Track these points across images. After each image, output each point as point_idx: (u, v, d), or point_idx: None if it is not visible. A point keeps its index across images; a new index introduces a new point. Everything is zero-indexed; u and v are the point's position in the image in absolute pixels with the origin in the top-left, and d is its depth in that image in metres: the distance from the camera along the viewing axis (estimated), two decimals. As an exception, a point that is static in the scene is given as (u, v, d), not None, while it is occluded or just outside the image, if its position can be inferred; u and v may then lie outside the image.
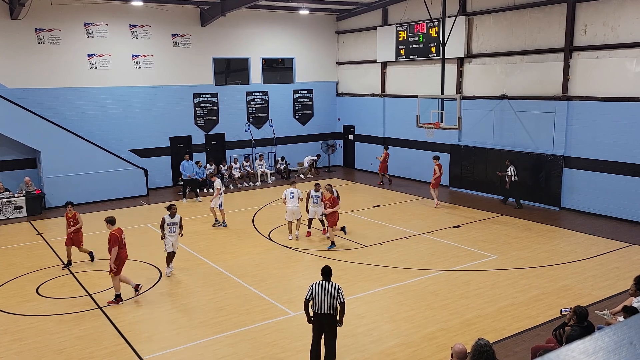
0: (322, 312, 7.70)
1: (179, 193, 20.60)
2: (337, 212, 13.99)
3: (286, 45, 24.68)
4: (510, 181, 17.61)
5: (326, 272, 7.88)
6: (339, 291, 7.67)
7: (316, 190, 14.49)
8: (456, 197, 19.46)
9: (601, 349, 1.48)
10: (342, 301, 7.68)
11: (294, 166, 24.77)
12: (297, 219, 14.57)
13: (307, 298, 7.80)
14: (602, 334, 1.55)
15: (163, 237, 12.07)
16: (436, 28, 19.79)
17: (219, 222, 16.27)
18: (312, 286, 7.76)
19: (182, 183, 20.34)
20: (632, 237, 14.29)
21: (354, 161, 26.06)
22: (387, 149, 22.30)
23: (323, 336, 7.84)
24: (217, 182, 16.13)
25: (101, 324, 9.77)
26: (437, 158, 18.35)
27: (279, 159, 24.00)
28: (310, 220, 15.01)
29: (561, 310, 7.29)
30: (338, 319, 7.80)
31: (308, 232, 15.03)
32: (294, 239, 14.62)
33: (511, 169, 17.55)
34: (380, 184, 22.00)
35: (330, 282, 7.75)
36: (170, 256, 12.11)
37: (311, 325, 7.94)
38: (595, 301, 10.20)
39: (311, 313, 7.87)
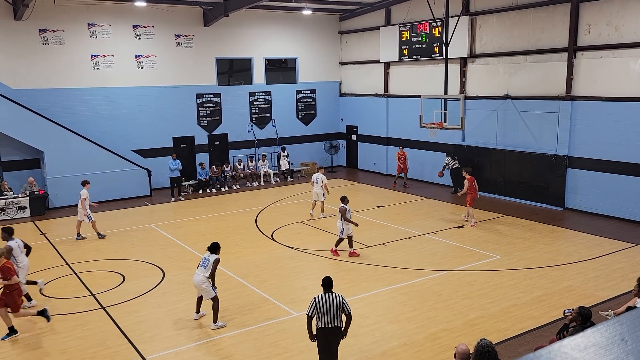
0: (330, 326, 7.30)
1: (183, 194, 20.61)
2: (15, 288, 9.29)
3: (289, 46, 24.68)
4: (444, 169, 19.91)
5: (327, 284, 7.49)
6: (344, 301, 7.37)
7: (346, 203, 13.26)
8: (459, 198, 19.42)
9: (593, 345, 1.48)
10: (349, 312, 7.39)
11: (297, 166, 24.75)
12: (321, 201, 16.74)
13: (310, 314, 7.36)
14: (594, 331, 1.55)
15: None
16: (439, 28, 19.75)
17: (81, 236, 15.02)
18: (315, 301, 7.34)
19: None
20: (636, 237, 14.23)
21: (356, 161, 26.05)
22: (402, 147, 21.63)
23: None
24: (84, 192, 14.89)
25: (104, 324, 9.79)
26: (467, 171, 16.20)
27: (280, 150, 23.65)
28: (349, 238, 13.26)
29: (564, 311, 7.26)
30: (342, 329, 7.49)
31: (353, 251, 13.24)
32: (315, 215, 16.87)
33: (447, 159, 19.78)
34: (403, 185, 21.33)
35: (333, 294, 7.40)
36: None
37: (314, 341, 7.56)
38: (599, 302, 10.17)
39: (314, 331, 7.48)
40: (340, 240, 13.16)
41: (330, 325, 7.33)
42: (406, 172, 21.54)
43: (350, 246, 13.20)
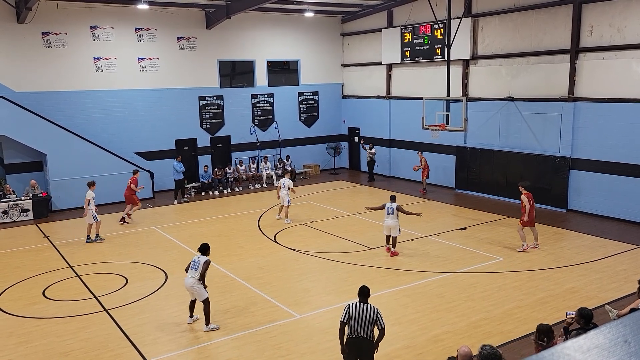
0: (360, 336, 7.00)
1: (186, 196, 20.62)
2: None
3: (291, 48, 24.71)
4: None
5: (364, 294, 7.19)
6: (379, 315, 7.02)
7: (392, 201, 13.31)
8: (462, 199, 19.41)
9: (596, 346, 1.48)
10: (382, 327, 7.03)
11: (300, 168, 24.76)
12: (286, 206, 16.70)
13: (343, 320, 7.03)
14: (597, 332, 1.54)
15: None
16: (441, 30, 19.75)
17: (99, 238, 15.26)
18: (348, 308, 7.05)
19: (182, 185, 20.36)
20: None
21: (359, 163, 26.04)
22: (421, 152, 20.83)
23: None
24: (89, 193, 15.03)
25: (107, 326, 9.79)
26: (524, 186, 13.60)
27: (285, 159, 23.92)
28: (387, 237, 13.41)
29: (567, 313, 7.22)
30: (374, 342, 7.11)
31: (387, 248, 13.51)
32: (282, 219, 16.91)
33: (367, 146, 22.69)
34: (423, 192, 20.56)
35: (369, 305, 7.08)
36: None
37: (342, 353, 7.18)
38: (602, 303, 10.11)
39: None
40: (387, 237, 13.36)
41: (360, 336, 7.02)
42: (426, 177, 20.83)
43: (394, 246, 13.37)
